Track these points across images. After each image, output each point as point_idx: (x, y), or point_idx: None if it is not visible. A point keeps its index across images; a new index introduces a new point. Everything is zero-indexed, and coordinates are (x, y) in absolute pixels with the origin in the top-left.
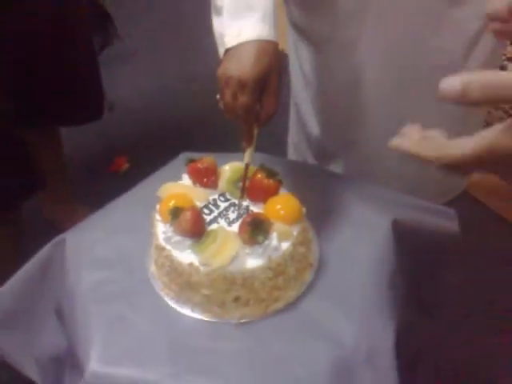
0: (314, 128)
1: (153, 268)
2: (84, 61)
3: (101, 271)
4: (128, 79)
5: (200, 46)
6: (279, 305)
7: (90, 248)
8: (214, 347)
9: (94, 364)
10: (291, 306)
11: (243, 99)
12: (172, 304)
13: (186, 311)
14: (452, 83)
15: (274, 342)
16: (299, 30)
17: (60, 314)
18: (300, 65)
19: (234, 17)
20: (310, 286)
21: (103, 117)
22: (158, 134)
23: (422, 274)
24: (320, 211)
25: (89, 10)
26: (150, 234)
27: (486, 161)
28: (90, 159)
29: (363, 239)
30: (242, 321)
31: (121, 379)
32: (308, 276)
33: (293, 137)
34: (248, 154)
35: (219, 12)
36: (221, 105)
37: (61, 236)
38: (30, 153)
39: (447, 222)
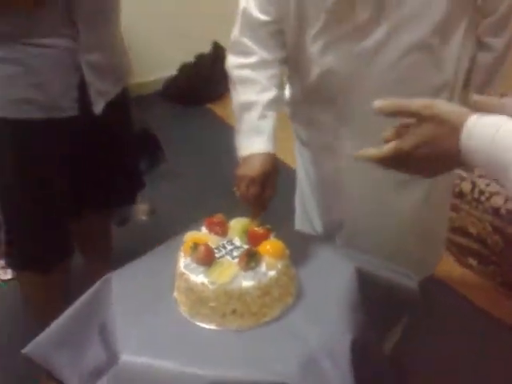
0: (314, 209)
1: (175, 293)
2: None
3: (137, 299)
4: (170, 193)
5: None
6: (266, 319)
7: (131, 286)
8: (216, 347)
9: (124, 355)
10: (275, 320)
11: (253, 189)
12: (187, 317)
13: (196, 321)
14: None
15: (261, 345)
16: (301, 141)
17: (103, 330)
18: (301, 155)
19: (248, 136)
20: (290, 307)
21: (145, 220)
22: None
23: (382, 320)
24: (303, 256)
25: (140, 135)
26: (173, 274)
27: (395, 160)
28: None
29: (333, 277)
30: (238, 329)
31: (145, 367)
32: (289, 300)
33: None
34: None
35: (238, 133)
36: (237, 194)
37: (108, 275)
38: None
39: (407, 281)
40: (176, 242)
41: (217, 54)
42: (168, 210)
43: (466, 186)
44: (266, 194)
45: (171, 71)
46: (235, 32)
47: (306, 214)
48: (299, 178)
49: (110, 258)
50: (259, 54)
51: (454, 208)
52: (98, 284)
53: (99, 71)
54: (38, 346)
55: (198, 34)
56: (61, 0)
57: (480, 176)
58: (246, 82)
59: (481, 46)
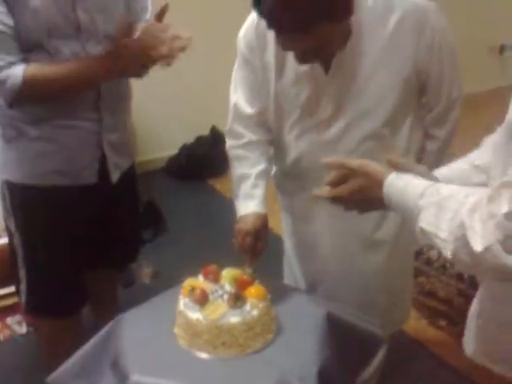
0: (297, 268)
1: (175, 329)
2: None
3: (144, 335)
4: (172, 258)
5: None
6: (250, 350)
7: (139, 323)
8: (208, 372)
9: (134, 375)
10: (257, 351)
11: (247, 240)
12: (185, 347)
13: (192, 351)
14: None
15: (245, 370)
16: (284, 209)
17: (115, 363)
18: (286, 223)
19: (243, 200)
20: (270, 342)
21: (149, 283)
22: None
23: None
24: (283, 302)
25: (146, 206)
26: (174, 318)
27: (338, 200)
28: None
29: (307, 319)
30: (226, 358)
31: None
32: (269, 335)
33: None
34: (248, 271)
35: (236, 198)
36: (235, 245)
37: (120, 316)
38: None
39: (373, 328)
40: (177, 289)
41: (215, 137)
42: (170, 272)
43: (433, 254)
44: (259, 245)
45: (173, 150)
46: (229, 121)
47: (292, 271)
48: (285, 242)
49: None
50: (248, 136)
51: (424, 274)
52: (110, 323)
53: (117, 148)
54: (58, 376)
55: (198, 119)
56: (92, 91)
57: None
58: (240, 159)
59: (427, 136)
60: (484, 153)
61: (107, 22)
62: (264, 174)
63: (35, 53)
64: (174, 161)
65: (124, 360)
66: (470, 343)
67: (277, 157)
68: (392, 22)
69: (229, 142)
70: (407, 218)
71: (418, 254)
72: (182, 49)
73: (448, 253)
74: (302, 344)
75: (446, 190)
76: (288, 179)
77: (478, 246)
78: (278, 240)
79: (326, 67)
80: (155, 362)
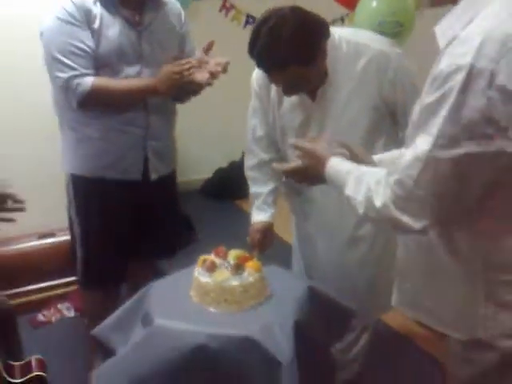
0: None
1: (191, 292)
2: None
3: (167, 297)
4: None
5: None
6: (245, 306)
7: (164, 288)
8: (213, 320)
9: (158, 319)
10: (251, 307)
11: (257, 236)
12: (197, 303)
13: (203, 306)
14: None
15: (239, 319)
16: (290, 210)
17: (144, 317)
18: (293, 221)
19: (256, 212)
20: (261, 302)
21: None
22: None
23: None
24: (276, 277)
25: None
26: (190, 285)
27: (291, 174)
28: None
29: (292, 289)
30: (227, 311)
31: (171, 328)
32: (261, 298)
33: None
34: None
35: (252, 209)
36: (248, 241)
37: (150, 284)
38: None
39: (348, 302)
40: (192, 268)
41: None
42: None
43: None
44: (265, 242)
45: (209, 174)
46: (247, 141)
47: (296, 259)
48: (293, 236)
49: None
50: (261, 156)
51: None
52: (142, 290)
53: (158, 154)
54: (100, 329)
55: (231, 146)
56: (143, 104)
57: None
58: (254, 179)
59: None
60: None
61: (163, 54)
62: (272, 192)
63: (103, 70)
64: (209, 183)
65: (151, 312)
66: (394, 294)
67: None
68: (361, 64)
69: (247, 163)
70: (339, 189)
71: None
72: (224, 70)
73: (361, 211)
74: (286, 305)
75: (364, 168)
76: (289, 186)
77: (377, 203)
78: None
79: (313, 97)
80: (174, 312)
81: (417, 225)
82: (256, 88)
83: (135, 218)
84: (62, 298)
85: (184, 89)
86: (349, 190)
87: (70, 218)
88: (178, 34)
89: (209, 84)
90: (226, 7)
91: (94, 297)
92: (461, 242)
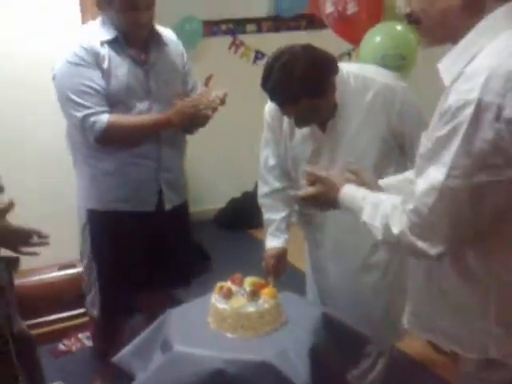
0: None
1: (208, 318)
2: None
3: (185, 323)
4: None
5: None
6: (261, 332)
7: (183, 315)
8: (230, 345)
9: (177, 345)
10: (266, 333)
11: (271, 262)
12: (215, 329)
13: (221, 332)
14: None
15: (255, 345)
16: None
17: (164, 344)
18: (306, 248)
19: (270, 238)
20: (277, 328)
21: None
22: None
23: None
24: (290, 303)
25: (195, 247)
26: (207, 311)
27: (305, 200)
28: None
29: (307, 315)
30: (243, 337)
31: (189, 353)
32: (277, 324)
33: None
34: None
35: (266, 235)
36: (263, 267)
37: (169, 311)
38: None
39: (362, 329)
40: (209, 295)
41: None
42: None
43: None
44: (279, 267)
45: (222, 204)
46: (260, 170)
47: (310, 287)
48: (306, 263)
49: None
50: (274, 184)
51: None
52: (161, 317)
53: (171, 184)
54: (121, 356)
55: (244, 176)
56: (155, 137)
57: None
58: (267, 206)
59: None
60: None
61: (169, 90)
62: (285, 218)
63: (116, 107)
64: (222, 212)
65: (170, 338)
66: (406, 316)
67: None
68: (369, 97)
69: (260, 190)
70: (354, 214)
71: None
72: (222, 103)
73: (380, 236)
74: (301, 331)
75: (379, 195)
76: (300, 215)
77: (395, 229)
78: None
79: (323, 129)
80: (193, 338)
81: (432, 251)
82: (269, 120)
83: (149, 249)
84: (82, 327)
85: (193, 121)
86: (366, 217)
87: (83, 252)
88: (181, 73)
89: (209, 116)
90: (235, 44)
91: (107, 327)
92: (474, 264)
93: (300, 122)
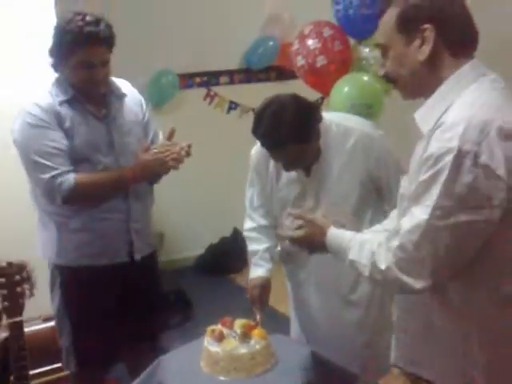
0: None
1: (201, 363)
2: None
3: (179, 368)
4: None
5: None
6: (254, 374)
7: (176, 360)
8: None
9: None
10: (258, 375)
11: (255, 292)
12: (208, 373)
13: (213, 375)
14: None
15: None
16: (285, 275)
17: None
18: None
19: (253, 268)
20: (268, 369)
21: None
22: None
23: None
24: (280, 344)
25: (175, 295)
26: (199, 356)
27: (292, 241)
28: None
29: (296, 355)
30: (236, 379)
31: None
32: (268, 365)
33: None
34: (258, 318)
35: (250, 266)
36: (248, 297)
37: (162, 356)
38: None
39: (349, 366)
40: (201, 339)
41: (236, 237)
42: None
43: None
44: (264, 298)
45: (201, 250)
46: (246, 209)
47: (294, 325)
48: (289, 302)
49: None
50: (259, 221)
51: None
52: (155, 362)
53: (140, 234)
54: None
55: (222, 222)
56: (123, 191)
57: None
58: (252, 239)
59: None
60: (391, 220)
61: (132, 143)
62: (268, 250)
63: (81, 164)
64: (201, 259)
65: (166, 383)
66: (393, 350)
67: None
68: (349, 144)
69: (245, 225)
70: (340, 255)
71: None
72: (187, 154)
73: (367, 273)
74: (292, 371)
75: (364, 235)
76: (283, 254)
77: (382, 265)
78: None
79: (307, 173)
80: (187, 382)
81: (417, 285)
82: (255, 162)
83: (121, 299)
84: (66, 380)
85: (157, 174)
86: (353, 255)
87: (56, 308)
88: (141, 122)
89: (174, 168)
90: (210, 95)
91: (86, 381)
92: (455, 298)
93: (288, 165)
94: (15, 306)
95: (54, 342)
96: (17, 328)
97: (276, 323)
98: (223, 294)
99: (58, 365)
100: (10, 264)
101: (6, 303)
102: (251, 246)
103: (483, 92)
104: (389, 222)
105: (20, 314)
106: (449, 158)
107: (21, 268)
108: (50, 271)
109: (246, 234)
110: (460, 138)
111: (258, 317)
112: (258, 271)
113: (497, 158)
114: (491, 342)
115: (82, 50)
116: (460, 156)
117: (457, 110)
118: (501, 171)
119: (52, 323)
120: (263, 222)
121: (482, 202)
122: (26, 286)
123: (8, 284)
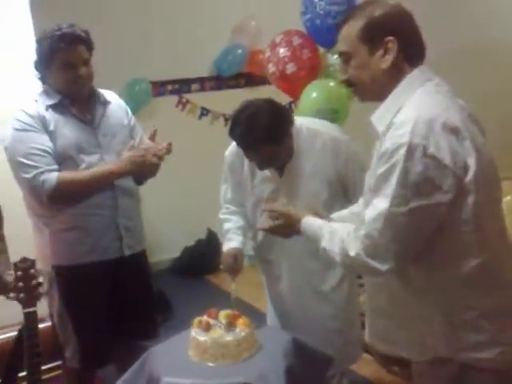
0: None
1: (189, 352)
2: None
3: (168, 358)
4: None
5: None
6: (240, 359)
7: (165, 351)
8: (211, 373)
9: (165, 377)
10: (244, 360)
11: (228, 260)
12: (196, 361)
13: (203, 363)
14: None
15: (235, 370)
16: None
17: (150, 378)
18: (264, 282)
19: (226, 242)
20: (253, 354)
21: None
22: None
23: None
24: (263, 332)
25: (157, 296)
26: (187, 346)
27: (271, 230)
28: None
29: (278, 341)
30: (223, 365)
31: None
32: (253, 350)
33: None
34: (233, 286)
35: (223, 240)
36: (221, 267)
37: (151, 349)
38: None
39: (326, 351)
40: (188, 331)
41: (210, 239)
42: None
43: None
44: (237, 266)
45: (177, 252)
46: (221, 200)
47: (270, 315)
48: (266, 295)
49: None
50: (231, 208)
51: None
52: (144, 354)
53: (130, 230)
54: None
55: (197, 225)
56: (109, 187)
57: None
58: (226, 220)
59: None
60: (357, 205)
61: (117, 142)
62: (241, 227)
63: (65, 163)
64: (178, 261)
65: (156, 372)
66: (367, 331)
67: (254, 235)
68: (318, 146)
69: (220, 212)
70: (314, 241)
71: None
72: (168, 152)
73: (338, 260)
74: (275, 355)
75: (334, 225)
76: (259, 250)
77: (351, 252)
78: None
79: (281, 173)
80: (178, 370)
81: (383, 268)
82: (229, 161)
83: (111, 297)
84: (56, 380)
85: (142, 169)
86: (325, 243)
87: (51, 308)
88: (128, 126)
89: (156, 163)
90: (182, 102)
91: (85, 378)
92: (416, 277)
93: (261, 164)
94: (30, 298)
95: (47, 342)
96: (31, 318)
97: (253, 318)
98: (200, 294)
99: (53, 364)
100: (24, 259)
101: (22, 295)
102: (226, 226)
103: (428, 95)
104: (354, 207)
105: (34, 305)
106: (402, 152)
107: (33, 263)
108: (46, 273)
109: (221, 216)
110: (410, 134)
111: (233, 284)
112: (231, 244)
113: (443, 149)
114: (452, 314)
115: (62, 51)
116: (411, 149)
117: (406, 112)
118: (447, 160)
119: (48, 323)
120: (235, 208)
121: (434, 188)
122: (40, 280)
123: (24, 277)
